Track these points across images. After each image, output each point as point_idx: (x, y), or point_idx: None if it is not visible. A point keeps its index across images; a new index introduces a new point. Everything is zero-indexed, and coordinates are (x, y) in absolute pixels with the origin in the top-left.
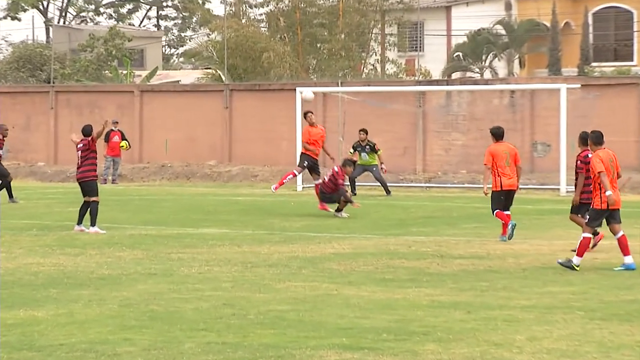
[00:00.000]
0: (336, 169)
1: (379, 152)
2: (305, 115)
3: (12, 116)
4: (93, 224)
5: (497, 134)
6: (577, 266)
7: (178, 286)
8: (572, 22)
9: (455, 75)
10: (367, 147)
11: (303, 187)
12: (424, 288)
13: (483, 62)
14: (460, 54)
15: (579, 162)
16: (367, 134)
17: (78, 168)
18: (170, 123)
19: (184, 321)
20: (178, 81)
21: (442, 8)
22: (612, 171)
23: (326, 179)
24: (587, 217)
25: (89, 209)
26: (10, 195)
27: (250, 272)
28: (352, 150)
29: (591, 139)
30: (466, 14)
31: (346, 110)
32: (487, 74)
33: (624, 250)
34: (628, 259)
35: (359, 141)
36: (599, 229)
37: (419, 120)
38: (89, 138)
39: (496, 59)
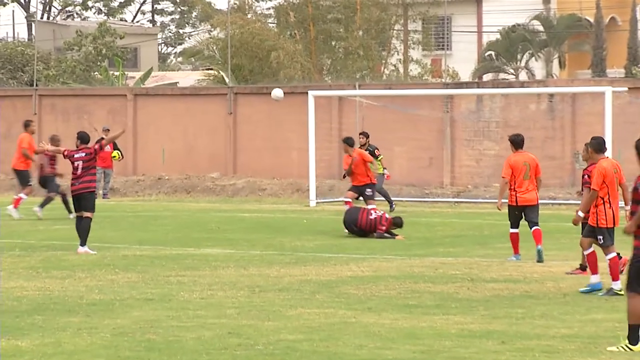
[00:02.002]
0: (387, 216)
1: (379, 158)
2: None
3: None
4: (83, 243)
5: (517, 142)
6: (620, 290)
7: (177, 313)
8: (618, 18)
9: (487, 77)
10: (367, 152)
11: (317, 203)
12: (452, 315)
13: (518, 62)
14: (493, 53)
15: (586, 176)
16: (367, 137)
17: (77, 179)
18: (167, 130)
19: (184, 352)
20: (176, 83)
21: (472, 1)
22: (615, 182)
23: (372, 216)
24: (600, 239)
25: (80, 227)
26: (69, 210)
27: (258, 297)
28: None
29: (592, 147)
30: (499, 8)
31: (364, 116)
32: (523, 76)
33: (593, 268)
34: (595, 278)
35: (360, 146)
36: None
37: (446, 127)
38: (95, 146)
39: (533, 58)
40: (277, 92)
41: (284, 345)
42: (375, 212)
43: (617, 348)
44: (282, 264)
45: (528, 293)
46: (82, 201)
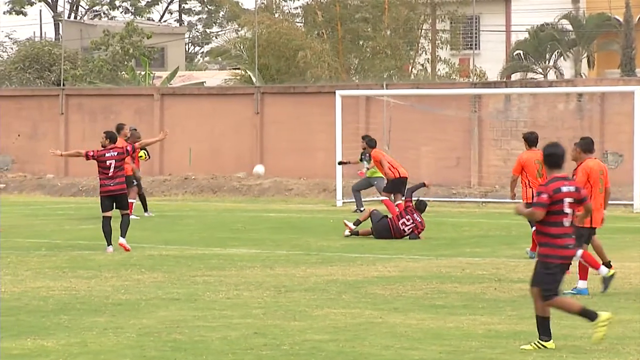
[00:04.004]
0: (419, 219)
1: (370, 161)
2: None
3: (16, 123)
4: (123, 235)
5: (531, 140)
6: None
7: (203, 313)
8: None
9: (515, 77)
10: (367, 155)
11: (343, 203)
12: (479, 316)
13: (547, 62)
14: (521, 52)
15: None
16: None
17: (110, 179)
18: (194, 130)
19: (210, 352)
20: (203, 83)
21: (501, 1)
22: (601, 184)
23: (406, 233)
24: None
25: (121, 223)
26: (145, 209)
27: (284, 297)
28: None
29: (580, 146)
30: (528, 7)
31: (392, 116)
32: (552, 75)
33: (583, 274)
34: (582, 284)
35: (362, 149)
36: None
37: (474, 127)
38: (127, 146)
39: (561, 58)
40: (258, 169)
41: (309, 345)
42: (406, 225)
43: None
44: (308, 264)
45: None
46: (120, 201)
